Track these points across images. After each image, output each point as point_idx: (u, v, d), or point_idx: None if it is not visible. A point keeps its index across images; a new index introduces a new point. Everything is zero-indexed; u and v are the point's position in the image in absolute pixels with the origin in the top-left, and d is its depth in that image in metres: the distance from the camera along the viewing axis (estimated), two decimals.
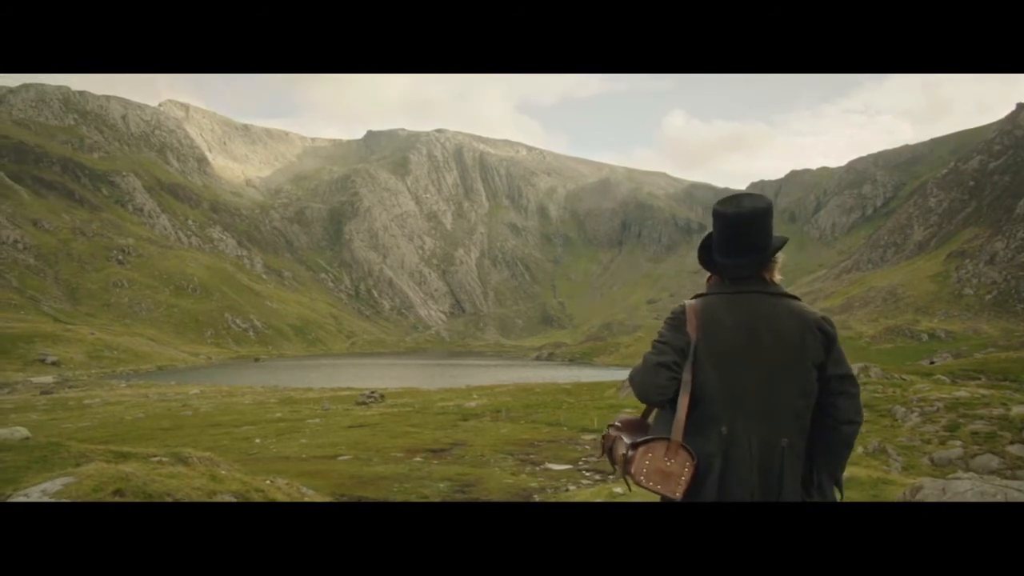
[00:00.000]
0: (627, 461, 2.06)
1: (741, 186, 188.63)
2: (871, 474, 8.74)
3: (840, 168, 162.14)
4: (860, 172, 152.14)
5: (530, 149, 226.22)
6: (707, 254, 2.34)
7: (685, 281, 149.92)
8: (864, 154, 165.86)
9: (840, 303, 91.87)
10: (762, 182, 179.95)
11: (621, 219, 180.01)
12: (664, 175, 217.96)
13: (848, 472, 8.87)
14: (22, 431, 7.62)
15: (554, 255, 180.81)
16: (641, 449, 2.05)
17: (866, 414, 14.97)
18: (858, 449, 12.88)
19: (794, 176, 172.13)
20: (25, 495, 4.19)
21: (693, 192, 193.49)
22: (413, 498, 8.56)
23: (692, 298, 2.30)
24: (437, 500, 8.46)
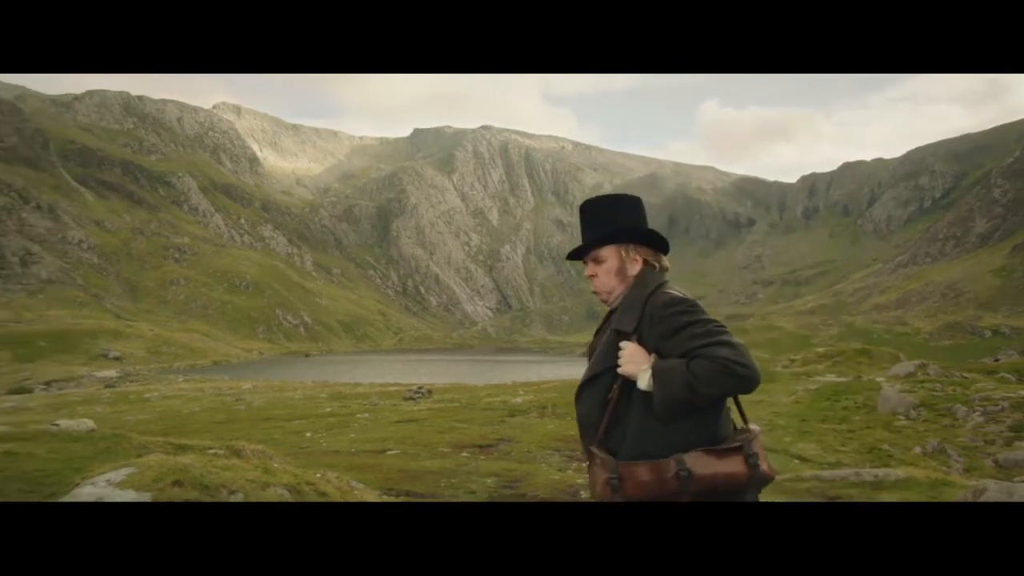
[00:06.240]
0: (760, 459, 1.99)
1: (791, 179, 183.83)
2: (929, 475, 8.46)
3: (896, 159, 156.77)
4: (917, 163, 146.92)
5: (576, 144, 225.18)
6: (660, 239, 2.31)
7: (734, 276, 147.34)
8: (917, 144, 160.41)
9: (895, 298, 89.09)
10: (814, 175, 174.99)
11: (668, 214, 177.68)
12: (712, 169, 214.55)
13: (905, 472, 8.61)
14: (88, 423, 7.96)
15: None
16: (762, 451, 2.02)
17: (923, 413, 14.51)
18: (915, 449, 12.49)
19: (847, 168, 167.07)
20: (92, 483, 4.38)
21: (742, 186, 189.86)
22: (461, 493, 8.64)
23: (669, 289, 2.19)
24: (484, 495, 8.52)
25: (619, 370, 2.09)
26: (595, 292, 2.34)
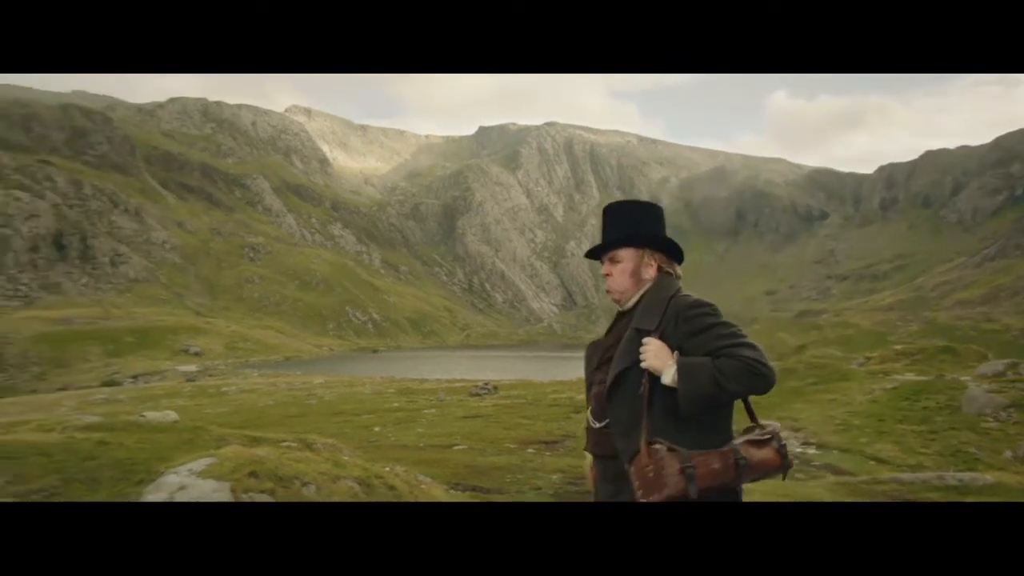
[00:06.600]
0: (786, 448, 2.12)
1: (868, 169, 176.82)
2: (1022, 480, 8.01)
3: (984, 146, 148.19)
4: (1008, 149, 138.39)
5: (641, 139, 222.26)
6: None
7: (806, 271, 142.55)
8: (1007, 130, 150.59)
9: (982, 293, 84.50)
10: (891, 165, 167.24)
11: (736, 207, 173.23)
12: (783, 161, 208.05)
13: (995, 477, 8.17)
14: (172, 415, 8.37)
15: None
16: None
17: (1014, 414, 13.74)
18: (1005, 453, 11.83)
19: (929, 157, 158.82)
20: (175, 472, 4.60)
21: (815, 178, 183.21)
22: (526, 489, 8.68)
23: (685, 292, 2.30)
24: (550, 491, 8.53)
25: (643, 364, 2.14)
26: (608, 291, 2.45)
